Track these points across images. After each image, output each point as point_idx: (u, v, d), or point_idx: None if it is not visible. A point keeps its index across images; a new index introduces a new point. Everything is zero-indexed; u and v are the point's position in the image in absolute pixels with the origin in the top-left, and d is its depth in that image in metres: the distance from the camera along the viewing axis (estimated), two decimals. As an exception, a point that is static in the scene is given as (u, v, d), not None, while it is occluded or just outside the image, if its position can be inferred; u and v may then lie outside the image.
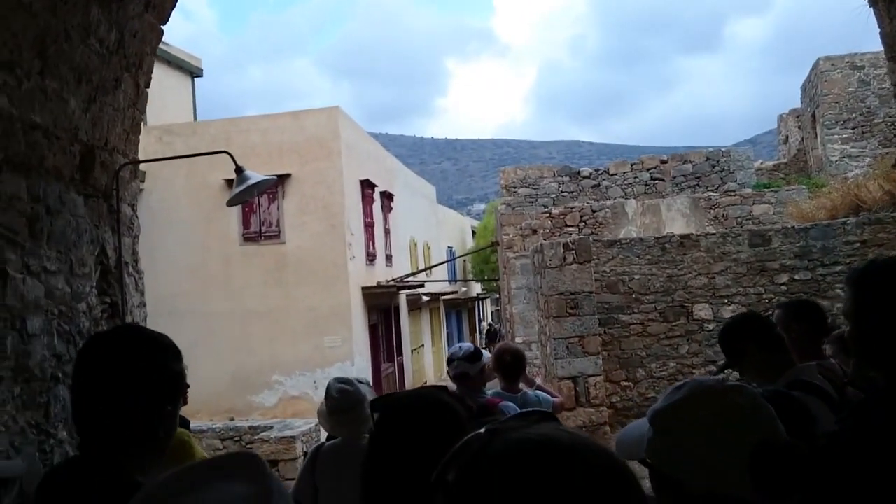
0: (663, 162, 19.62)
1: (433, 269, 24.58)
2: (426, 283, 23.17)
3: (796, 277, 10.78)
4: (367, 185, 18.50)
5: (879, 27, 4.11)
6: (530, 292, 13.68)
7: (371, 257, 18.61)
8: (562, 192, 19.73)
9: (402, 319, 21.64)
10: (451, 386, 4.52)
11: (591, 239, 10.58)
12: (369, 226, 18.67)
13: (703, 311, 10.89)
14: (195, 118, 20.10)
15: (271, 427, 11.40)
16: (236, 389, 16.17)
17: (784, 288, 10.78)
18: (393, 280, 19.73)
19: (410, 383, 21.77)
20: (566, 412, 8.80)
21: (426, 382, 21.82)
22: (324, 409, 3.76)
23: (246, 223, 16.55)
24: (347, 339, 16.34)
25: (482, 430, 0.82)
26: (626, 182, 19.49)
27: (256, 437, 11.01)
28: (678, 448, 1.35)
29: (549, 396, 4.97)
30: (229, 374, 16.16)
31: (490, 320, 40.47)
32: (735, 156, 19.61)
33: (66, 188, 3.72)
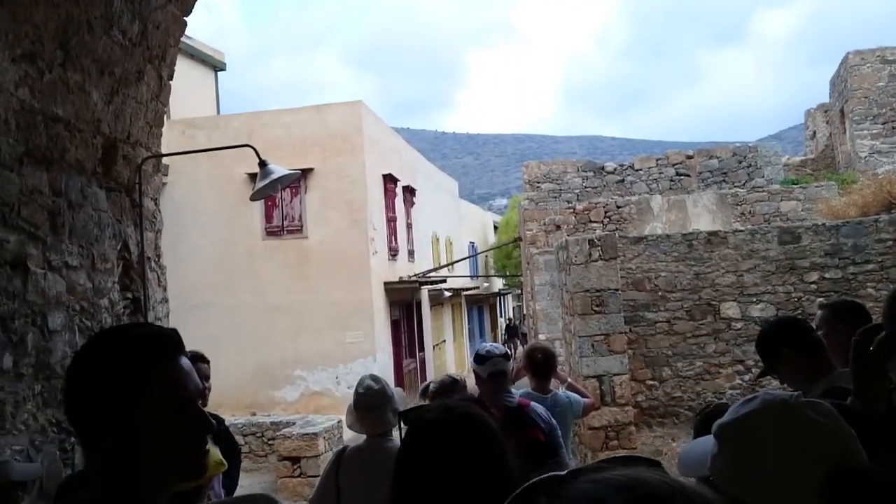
0: (689, 157, 19.35)
1: (455, 265, 24.48)
2: (448, 279, 23.08)
3: (826, 276, 10.57)
4: (389, 180, 18.43)
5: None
6: (554, 289, 13.54)
7: (393, 252, 18.55)
8: (585, 187, 19.53)
9: (423, 315, 21.57)
10: (472, 387, 4.44)
11: (616, 235, 10.43)
12: (391, 220, 18.61)
13: (730, 309, 10.70)
14: (218, 112, 20.13)
15: (293, 423, 11.35)
16: (259, 383, 16.19)
17: (814, 286, 10.57)
18: (415, 275, 19.66)
19: (433, 378, 21.69)
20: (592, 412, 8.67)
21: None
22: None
23: (268, 217, 16.54)
24: (370, 334, 16.29)
25: (563, 473, 0.72)
26: (650, 178, 19.25)
27: (279, 434, 10.97)
28: (744, 466, 1.24)
29: (579, 398, 4.86)
30: (252, 368, 16.19)
31: (510, 315, 40.27)
32: (762, 151, 19.29)
33: (87, 182, 3.66)
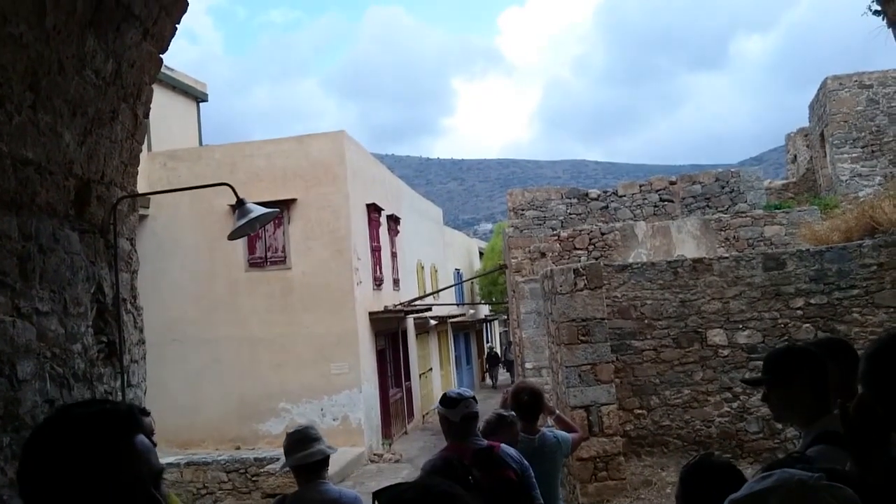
0: (672, 183, 19.42)
1: (440, 293, 24.38)
2: (433, 307, 22.96)
3: (812, 301, 10.56)
4: (373, 209, 18.37)
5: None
6: (540, 317, 13.46)
7: (378, 282, 18.44)
8: (570, 214, 19.54)
9: (409, 344, 21.42)
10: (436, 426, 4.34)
11: (601, 264, 10.39)
12: (376, 250, 18.51)
13: (717, 336, 10.66)
14: (200, 142, 20.03)
15: (277, 458, 11.15)
16: (242, 417, 15.97)
17: (800, 312, 10.55)
18: (400, 304, 19.54)
19: (418, 408, 21.50)
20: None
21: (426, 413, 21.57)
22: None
23: (251, 249, 16.41)
24: (355, 365, 16.13)
25: None
26: (634, 203, 19.29)
27: (262, 470, 10.79)
28: None
29: (567, 435, 4.78)
30: (235, 401, 15.98)
31: (491, 343, 39.99)
32: (745, 176, 19.39)
33: (59, 225, 3.56)
